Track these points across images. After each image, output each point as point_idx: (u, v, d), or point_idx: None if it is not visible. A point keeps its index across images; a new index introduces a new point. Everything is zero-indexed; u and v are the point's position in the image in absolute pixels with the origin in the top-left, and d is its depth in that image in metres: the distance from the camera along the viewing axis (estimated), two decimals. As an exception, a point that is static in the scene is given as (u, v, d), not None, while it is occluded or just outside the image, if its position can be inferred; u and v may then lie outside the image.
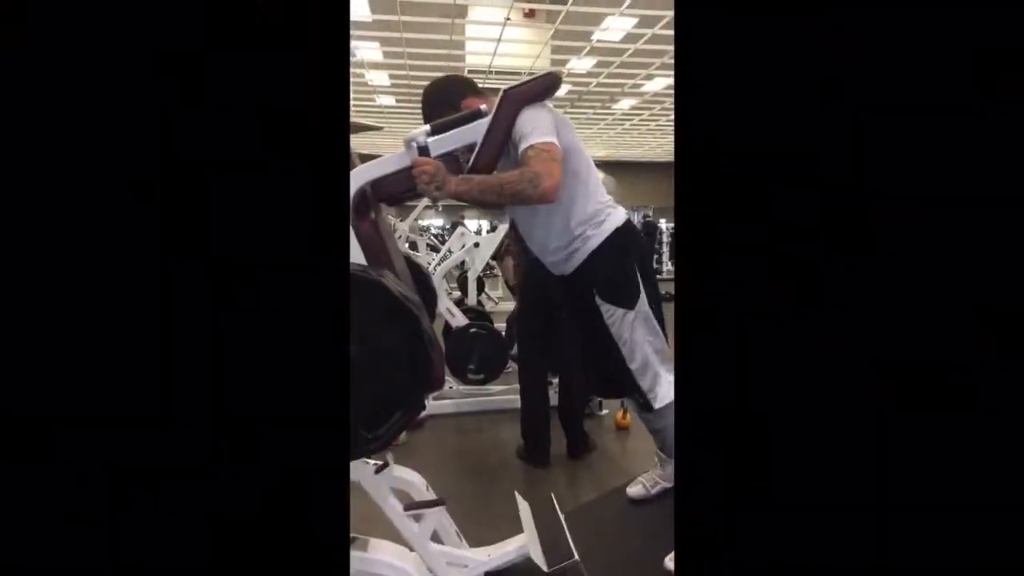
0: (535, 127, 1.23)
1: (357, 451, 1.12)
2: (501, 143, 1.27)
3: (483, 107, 1.30)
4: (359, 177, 1.24)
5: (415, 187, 1.23)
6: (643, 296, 1.39)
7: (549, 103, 1.34)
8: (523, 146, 1.22)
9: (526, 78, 1.34)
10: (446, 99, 1.39)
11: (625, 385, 1.41)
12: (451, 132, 1.27)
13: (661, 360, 1.40)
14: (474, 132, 1.28)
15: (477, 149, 1.28)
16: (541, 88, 1.31)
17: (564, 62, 7.11)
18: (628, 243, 1.41)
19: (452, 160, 1.28)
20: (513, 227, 2.74)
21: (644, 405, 1.41)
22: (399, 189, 1.26)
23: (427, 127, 1.27)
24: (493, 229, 3.66)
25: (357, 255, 1.22)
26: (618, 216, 1.41)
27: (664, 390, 1.38)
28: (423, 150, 1.24)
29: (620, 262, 1.38)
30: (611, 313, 1.36)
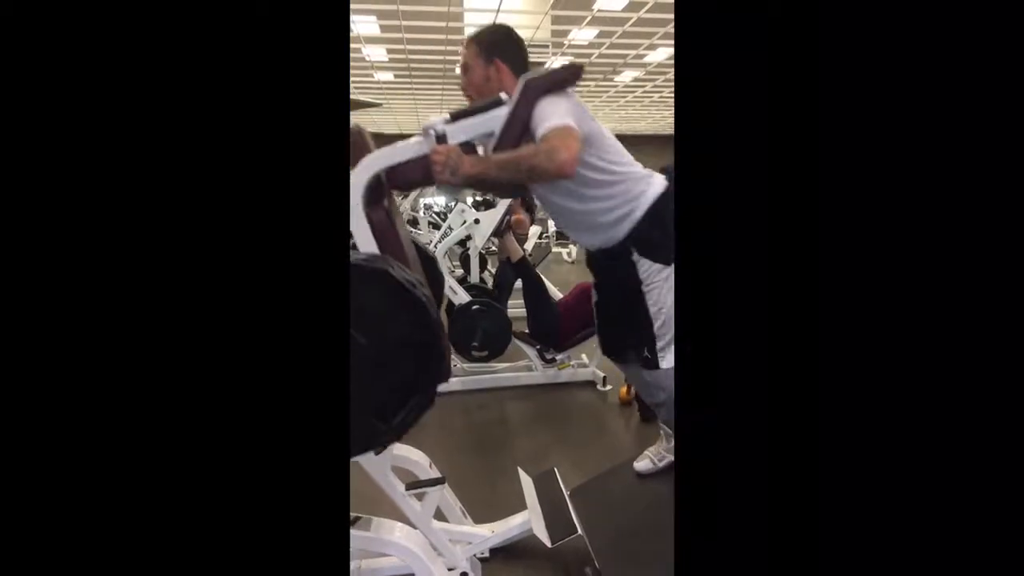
0: (553, 112, 1.23)
1: (375, 442, 1.12)
2: (521, 132, 1.27)
3: (503, 95, 1.29)
4: (374, 164, 1.21)
5: (431, 175, 1.21)
6: None
7: (570, 91, 1.33)
8: (540, 130, 1.22)
9: (547, 69, 1.32)
10: (515, 53, 1.41)
11: (642, 340, 1.40)
12: (470, 120, 1.25)
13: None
14: (494, 121, 1.26)
15: (497, 137, 1.27)
16: (562, 78, 1.30)
17: (565, 32, 6.97)
18: (668, 209, 1.39)
19: (469, 148, 1.26)
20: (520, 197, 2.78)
21: (650, 363, 1.40)
22: (414, 177, 1.24)
23: (446, 115, 1.25)
24: (492, 205, 3.59)
25: (369, 243, 1.20)
26: (656, 186, 1.40)
27: (673, 355, 1.37)
28: (441, 138, 1.21)
29: (660, 221, 1.38)
30: (647, 268, 1.37)
